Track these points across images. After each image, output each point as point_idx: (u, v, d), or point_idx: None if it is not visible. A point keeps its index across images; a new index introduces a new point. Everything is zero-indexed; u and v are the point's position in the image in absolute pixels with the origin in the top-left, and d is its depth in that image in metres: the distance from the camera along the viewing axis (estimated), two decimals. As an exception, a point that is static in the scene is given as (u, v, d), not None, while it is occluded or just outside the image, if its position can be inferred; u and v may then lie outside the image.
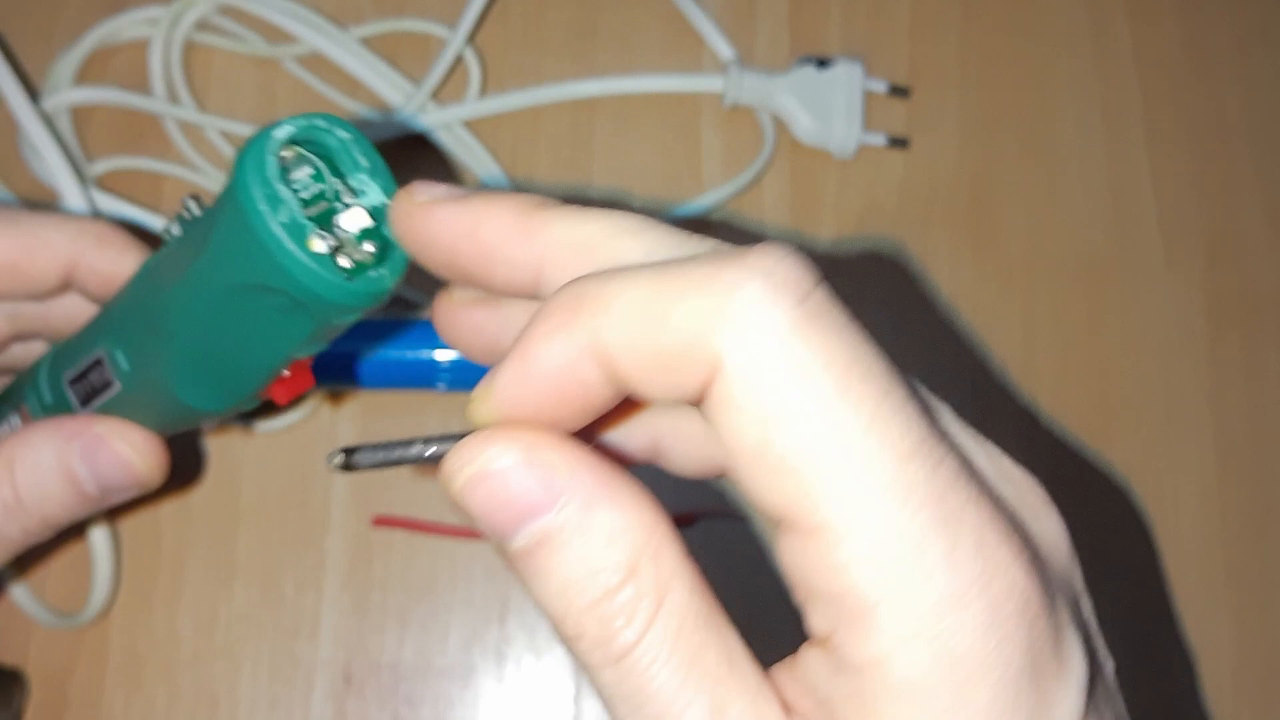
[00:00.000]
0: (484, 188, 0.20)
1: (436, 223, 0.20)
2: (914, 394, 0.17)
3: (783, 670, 0.18)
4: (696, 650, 0.17)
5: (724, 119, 0.44)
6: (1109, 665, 0.18)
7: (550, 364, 0.17)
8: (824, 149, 0.44)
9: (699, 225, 0.43)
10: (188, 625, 0.39)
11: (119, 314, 0.27)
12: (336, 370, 0.39)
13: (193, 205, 0.24)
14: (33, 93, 0.41)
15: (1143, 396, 0.43)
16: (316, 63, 0.44)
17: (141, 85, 0.43)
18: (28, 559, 0.39)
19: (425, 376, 0.39)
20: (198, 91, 0.44)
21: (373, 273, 0.21)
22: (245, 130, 0.42)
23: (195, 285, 0.23)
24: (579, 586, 0.17)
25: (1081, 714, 0.16)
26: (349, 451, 0.20)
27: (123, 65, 0.43)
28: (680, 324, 0.16)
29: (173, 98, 0.43)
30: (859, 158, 0.44)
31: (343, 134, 0.21)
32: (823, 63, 0.43)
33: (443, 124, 0.42)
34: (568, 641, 0.18)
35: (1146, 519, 0.42)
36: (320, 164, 0.21)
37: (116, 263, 0.30)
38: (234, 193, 0.20)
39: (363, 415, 0.41)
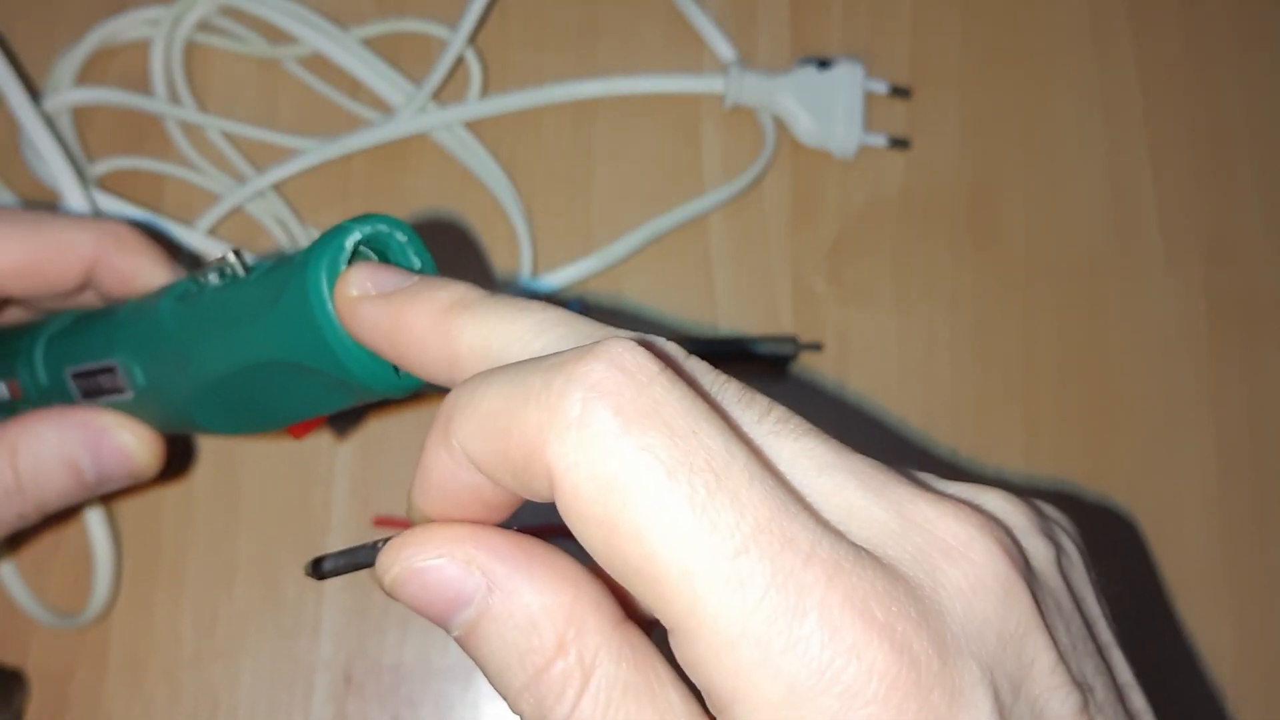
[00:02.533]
0: (421, 275, 0.21)
1: (360, 319, 0.21)
2: (762, 476, 0.16)
3: None
4: (628, 718, 0.17)
5: (725, 119, 0.44)
6: (1063, 705, 0.17)
7: (439, 473, 0.19)
8: (825, 149, 0.44)
9: (698, 226, 0.43)
10: (188, 625, 0.39)
11: (140, 336, 0.27)
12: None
13: (236, 263, 0.25)
14: (34, 93, 0.41)
15: (1143, 397, 0.43)
16: (317, 63, 0.44)
17: (142, 86, 0.43)
18: (19, 540, 0.39)
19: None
20: (199, 92, 0.44)
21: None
22: (246, 130, 0.42)
23: (242, 347, 0.24)
24: (511, 670, 0.18)
25: None
26: (317, 561, 0.21)
27: (124, 66, 0.43)
28: (518, 437, 0.17)
29: (174, 98, 0.43)
30: (860, 158, 0.44)
31: (401, 236, 0.23)
32: (824, 63, 0.43)
33: (443, 124, 0.42)
34: (509, 704, 0.18)
35: (1146, 519, 0.42)
36: (375, 259, 0.23)
37: (134, 264, 0.30)
38: (304, 291, 0.21)
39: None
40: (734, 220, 0.43)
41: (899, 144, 0.44)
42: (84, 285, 0.31)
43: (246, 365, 0.24)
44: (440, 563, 0.18)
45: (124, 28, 0.43)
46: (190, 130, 0.43)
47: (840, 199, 0.44)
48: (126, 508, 0.40)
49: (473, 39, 0.44)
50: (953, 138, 0.45)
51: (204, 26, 0.43)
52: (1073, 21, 0.46)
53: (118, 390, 0.28)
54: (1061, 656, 0.17)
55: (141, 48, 0.43)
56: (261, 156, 0.43)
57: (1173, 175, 0.45)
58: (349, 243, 0.22)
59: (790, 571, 0.16)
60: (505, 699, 0.18)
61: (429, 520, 0.20)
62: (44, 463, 0.29)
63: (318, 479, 0.40)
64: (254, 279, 0.24)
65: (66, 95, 0.42)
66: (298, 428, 0.27)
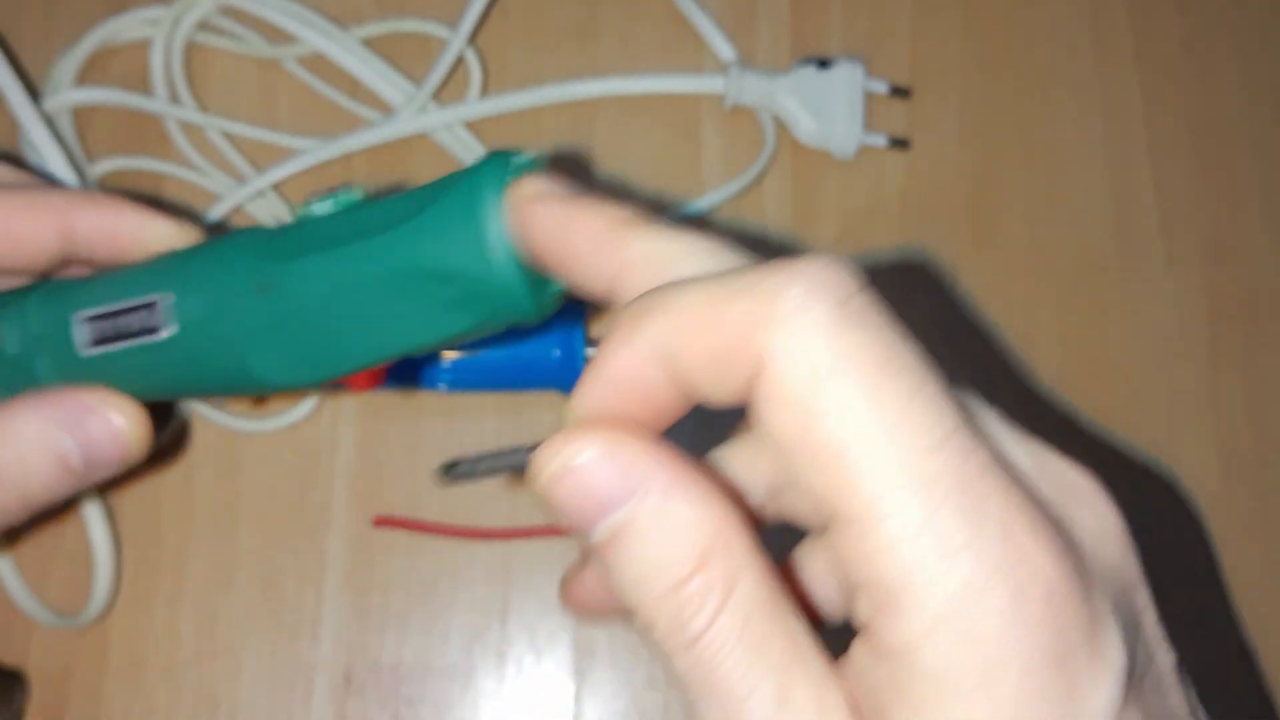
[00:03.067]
0: (591, 190, 0.22)
1: (536, 218, 0.21)
2: (949, 392, 0.18)
3: (840, 664, 0.18)
4: (763, 638, 0.18)
5: (725, 119, 0.44)
6: (1166, 659, 0.18)
7: (620, 369, 0.19)
8: (825, 150, 0.44)
9: (699, 226, 0.43)
10: (188, 625, 0.39)
11: (207, 266, 0.26)
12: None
13: (358, 189, 0.25)
14: (34, 93, 0.41)
15: (1143, 397, 0.43)
16: (317, 63, 0.44)
17: (143, 86, 0.43)
18: (13, 538, 0.39)
19: (425, 376, 0.39)
20: (199, 92, 0.44)
21: (550, 288, 0.23)
22: (246, 130, 0.42)
23: (364, 259, 0.24)
24: (653, 576, 0.18)
25: (1117, 707, 0.17)
26: (451, 464, 0.21)
27: (124, 66, 0.43)
28: (730, 324, 0.18)
29: (174, 98, 0.43)
30: (860, 158, 0.44)
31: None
32: (824, 63, 0.43)
33: (444, 124, 0.42)
34: (645, 631, 0.19)
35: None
36: None
37: (119, 219, 0.29)
38: (479, 187, 0.22)
39: (363, 415, 0.41)
40: (734, 220, 0.43)
41: (899, 144, 0.44)
42: (65, 255, 0.29)
43: (368, 279, 0.24)
44: (598, 461, 0.19)
45: (124, 28, 0.43)
46: (190, 130, 0.43)
47: (840, 199, 0.44)
48: (126, 508, 0.40)
49: (473, 39, 0.44)
50: (953, 138, 0.45)
51: (204, 26, 0.43)
52: (1073, 21, 0.46)
53: (149, 330, 0.27)
54: (1158, 617, 0.19)
55: (141, 48, 0.43)
56: (261, 156, 0.43)
57: (1173, 175, 0.45)
58: (519, 160, 0.23)
59: (972, 477, 0.17)
60: (637, 609, 0.19)
61: (584, 423, 0.20)
62: (25, 454, 0.27)
63: (318, 479, 0.40)
64: (392, 199, 0.24)
65: (66, 95, 0.42)
66: (361, 377, 0.26)
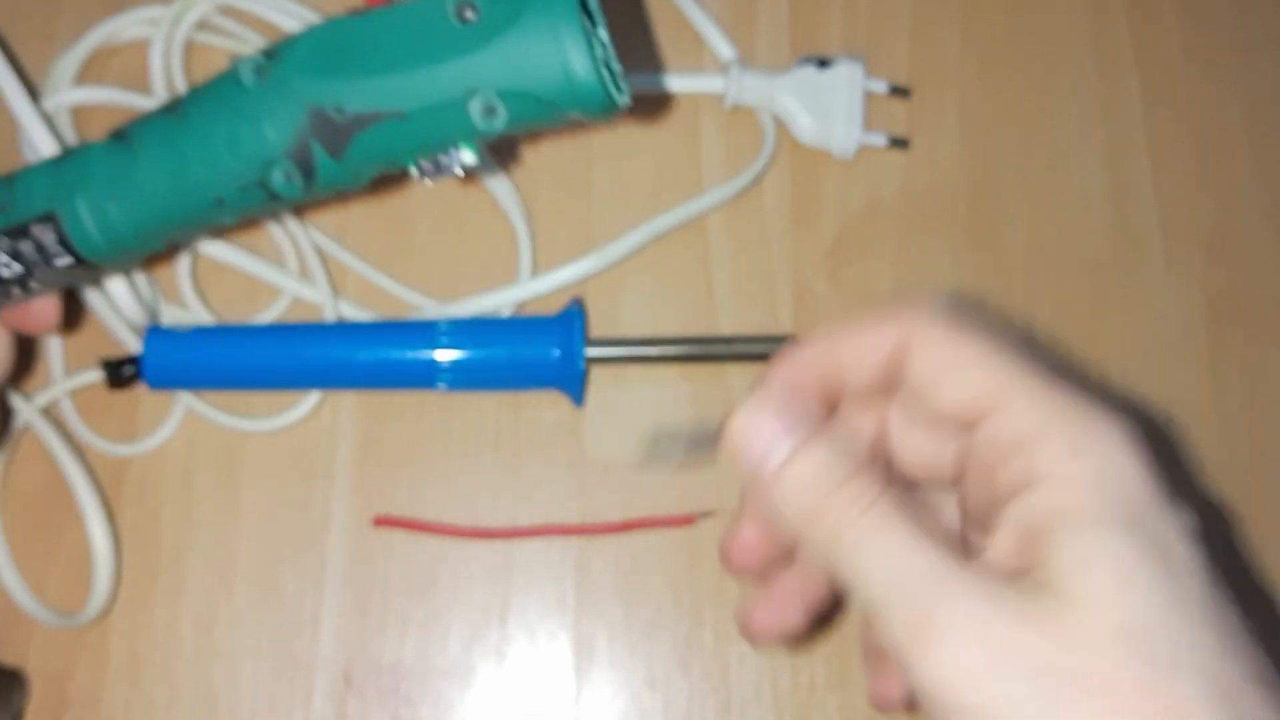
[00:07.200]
0: None
1: None
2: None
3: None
4: (916, 530, 0.22)
5: (724, 119, 0.44)
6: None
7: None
8: (824, 149, 0.44)
9: (698, 226, 0.43)
10: (188, 625, 0.39)
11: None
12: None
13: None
14: (33, 92, 0.41)
15: (1143, 397, 0.43)
16: (317, 63, 0.44)
17: (142, 85, 0.43)
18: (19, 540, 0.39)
19: (425, 376, 0.39)
20: (198, 91, 0.44)
21: (617, 91, 0.28)
22: (246, 130, 0.42)
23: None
24: (814, 485, 0.23)
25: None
26: (653, 447, 0.26)
27: (123, 65, 0.43)
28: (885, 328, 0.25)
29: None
30: (859, 158, 0.44)
31: None
32: (823, 63, 0.43)
33: (443, 124, 0.42)
34: (805, 527, 0.23)
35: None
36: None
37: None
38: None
39: (363, 415, 0.41)
40: (734, 220, 0.43)
41: (899, 144, 0.44)
42: None
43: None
44: (772, 410, 0.24)
45: (124, 27, 0.43)
46: (190, 130, 0.43)
47: (840, 199, 0.44)
48: (126, 508, 0.40)
49: (472, 39, 0.44)
50: (953, 138, 0.45)
51: (204, 26, 0.43)
52: (1073, 22, 0.46)
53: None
54: None
55: (141, 47, 0.43)
56: (261, 156, 0.43)
57: (1173, 175, 0.45)
58: None
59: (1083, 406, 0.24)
60: (803, 516, 0.23)
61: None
62: None
63: (318, 479, 0.40)
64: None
65: (66, 95, 0.42)
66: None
